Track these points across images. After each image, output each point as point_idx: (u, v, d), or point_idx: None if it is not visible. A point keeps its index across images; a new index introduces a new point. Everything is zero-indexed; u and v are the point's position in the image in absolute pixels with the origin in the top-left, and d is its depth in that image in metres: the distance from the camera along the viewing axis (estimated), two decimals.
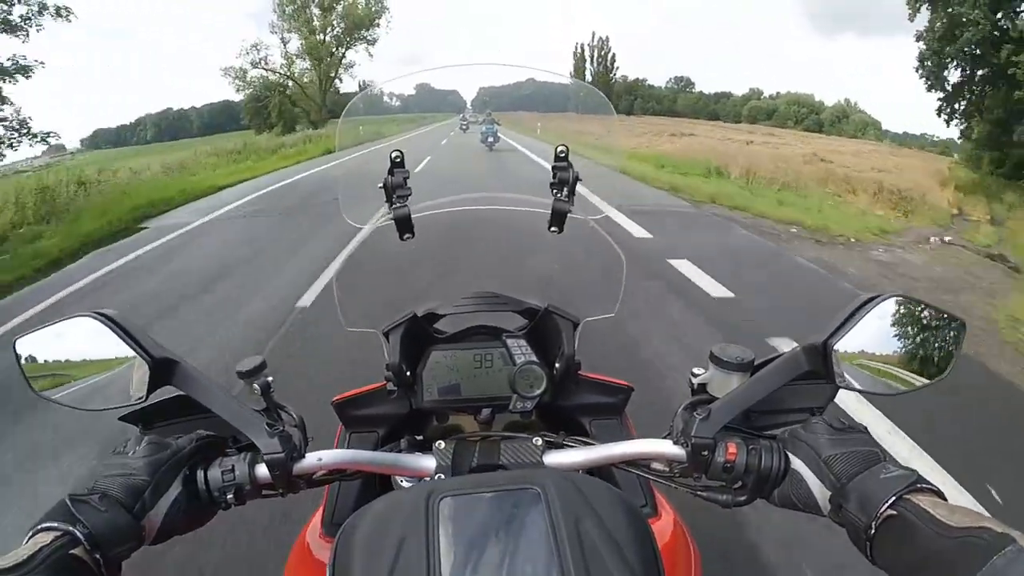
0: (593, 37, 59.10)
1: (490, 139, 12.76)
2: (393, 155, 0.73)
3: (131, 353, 0.56)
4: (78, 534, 0.43)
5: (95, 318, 0.56)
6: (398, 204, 0.72)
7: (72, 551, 0.43)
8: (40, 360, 0.60)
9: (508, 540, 0.45)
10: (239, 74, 34.27)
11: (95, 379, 0.59)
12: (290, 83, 35.12)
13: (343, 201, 0.82)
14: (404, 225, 0.72)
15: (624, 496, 0.51)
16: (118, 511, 0.48)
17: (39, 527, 0.44)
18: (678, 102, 58.81)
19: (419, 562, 0.43)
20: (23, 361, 0.58)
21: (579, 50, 58.17)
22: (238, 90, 35.19)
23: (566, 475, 0.53)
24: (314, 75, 35.36)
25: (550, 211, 0.74)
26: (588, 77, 56.11)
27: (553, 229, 0.73)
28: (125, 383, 0.57)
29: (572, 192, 0.72)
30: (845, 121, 49.76)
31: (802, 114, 52.40)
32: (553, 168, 0.73)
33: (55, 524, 0.44)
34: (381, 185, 0.72)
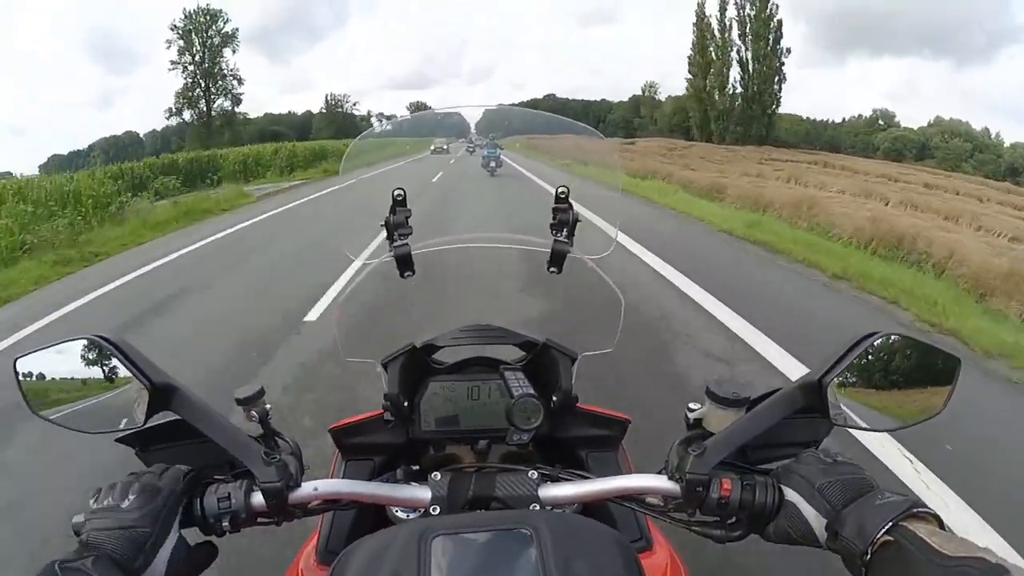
0: None
1: (492, 163, 12.63)
2: (395, 193, 0.74)
3: (130, 376, 0.56)
4: None
5: (96, 340, 0.56)
6: (399, 243, 0.73)
7: None
8: (40, 380, 0.60)
9: None
10: None
11: (94, 401, 0.59)
12: None
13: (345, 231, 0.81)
14: (405, 263, 0.74)
15: (616, 535, 0.52)
16: (113, 572, 0.44)
17: None
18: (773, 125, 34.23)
19: None
20: (22, 380, 0.58)
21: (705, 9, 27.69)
22: None
23: (559, 515, 0.53)
24: None
25: (549, 251, 0.75)
26: (735, 66, 27.58)
27: (552, 270, 0.75)
28: (123, 406, 0.58)
29: (572, 233, 0.74)
30: None
31: (965, 150, 30.32)
32: (553, 210, 0.75)
33: None
34: (383, 224, 0.73)
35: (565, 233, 0.74)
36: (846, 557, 0.47)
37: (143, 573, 0.46)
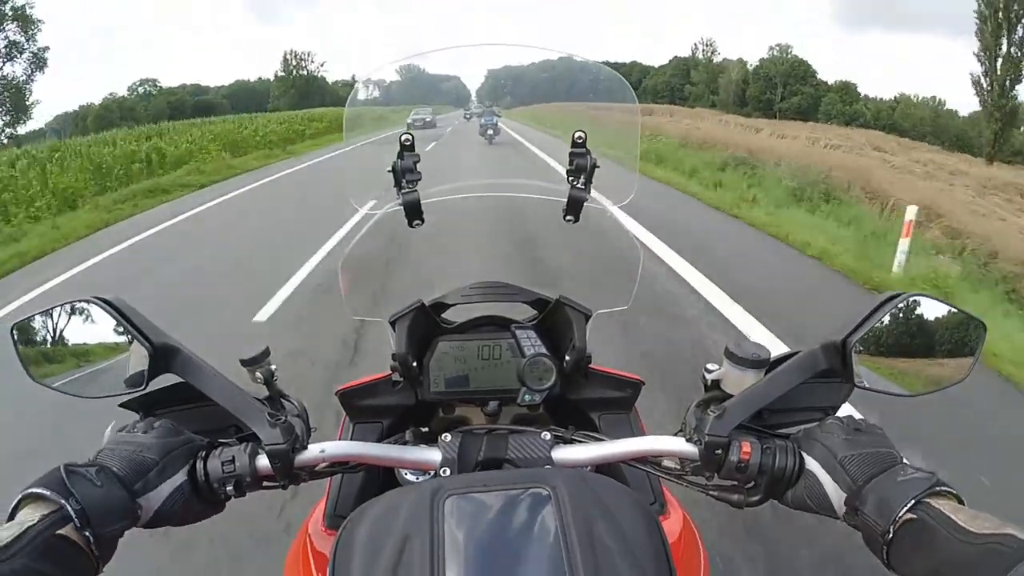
0: None
1: (490, 131, 12.54)
2: (403, 138, 0.71)
3: (130, 339, 0.55)
4: (69, 509, 0.41)
5: (95, 303, 0.55)
6: (408, 189, 0.69)
7: (61, 531, 0.41)
8: (38, 345, 0.58)
9: (516, 542, 0.45)
10: None
11: (95, 366, 0.58)
12: None
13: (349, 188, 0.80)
14: (414, 211, 0.70)
15: (636, 496, 0.51)
16: (114, 486, 0.46)
17: (28, 491, 0.42)
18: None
19: (423, 562, 0.42)
20: (20, 346, 0.57)
21: None
22: None
23: (577, 474, 0.52)
24: None
25: (565, 200, 0.72)
26: None
27: (569, 218, 0.72)
28: (125, 370, 0.56)
29: (589, 180, 0.71)
30: None
31: None
32: (570, 155, 0.71)
33: (46, 493, 0.41)
34: (390, 169, 0.70)
35: (583, 180, 0.70)
36: (867, 535, 0.47)
37: (141, 497, 0.48)
